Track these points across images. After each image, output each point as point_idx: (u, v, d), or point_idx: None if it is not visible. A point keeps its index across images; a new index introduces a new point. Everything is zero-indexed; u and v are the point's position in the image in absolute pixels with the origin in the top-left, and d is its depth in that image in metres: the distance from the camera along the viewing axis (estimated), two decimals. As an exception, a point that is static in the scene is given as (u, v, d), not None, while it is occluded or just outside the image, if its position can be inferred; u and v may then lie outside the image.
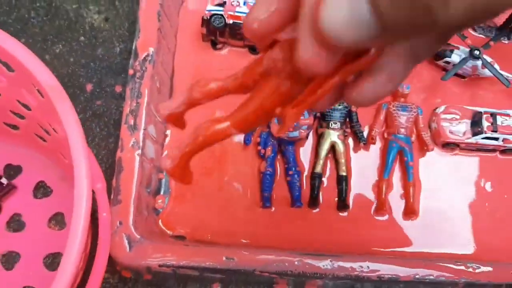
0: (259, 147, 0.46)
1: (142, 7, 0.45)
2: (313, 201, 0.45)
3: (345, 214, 0.45)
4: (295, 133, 0.45)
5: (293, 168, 0.45)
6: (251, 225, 0.44)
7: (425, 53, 0.20)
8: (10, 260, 0.41)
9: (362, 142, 0.46)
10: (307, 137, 0.47)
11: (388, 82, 0.19)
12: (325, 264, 0.38)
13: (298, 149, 0.47)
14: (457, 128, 0.47)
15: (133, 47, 0.43)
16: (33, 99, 0.36)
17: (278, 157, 0.46)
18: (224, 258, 0.38)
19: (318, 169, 0.46)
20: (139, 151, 0.41)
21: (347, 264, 0.39)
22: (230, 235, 0.44)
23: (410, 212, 0.45)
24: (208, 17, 0.46)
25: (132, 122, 0.41)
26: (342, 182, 0.45)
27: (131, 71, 0.43)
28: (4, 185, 0.42)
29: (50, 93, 0.31)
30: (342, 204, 0.45)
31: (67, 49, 0.49)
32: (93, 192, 0.40)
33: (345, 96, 0.20)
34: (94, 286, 0.33)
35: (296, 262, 0.38)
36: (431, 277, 0.38)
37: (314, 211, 0.45)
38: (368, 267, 0.38)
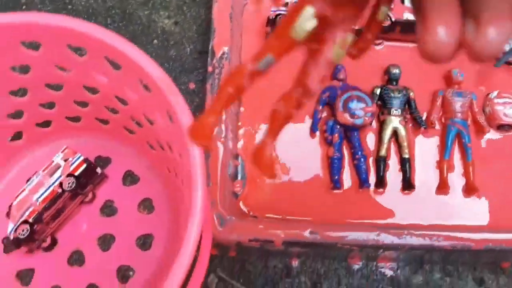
0: (326, 134, 0.49)
1: (215, 9, 0.49)
2: (380, 182, 0.48)
3: (411, 193, 0.48)
4: (360, 120, 0.48)
5: (359, 153, 0.49)
6: (323, 206, 0.48)
7: None
8: (106, 242, 0.45)
9: (423, 126, 0.50)
10: (370, 124, 0.50)
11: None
12: (402, 236, 0.41)
13: (363, 135, 0.50)
14: (511, 111, 0.50)
15: (210, 47, 0.47)
16: (135, 94, 0.39)
17: (344, 143, 0.50)
18: (308, 233, 0.41)
19: (383, 152, 0.49)
20: (223, 139, 0.44)
21: (420, 238, 0.42)
22: (304, 215, 0.47)
23: (471, 189, 0.48)
24: (274, 17, 0.50)
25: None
26: (406, 164, 0.49)
27: (210, 68, 0.47)
28: (99, 174, 0.46)
29: (162, 86, 0.35)
30: (408, 184, 0.48)
31: (143, 51, 0.53)
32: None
33: (469, 51, 0.17)
34: (203, 263, 0.36)
35: (375, 236, 0.41)
36: (503, 245, 0.41)
37: (381, 190, 0.48)
38: (441, 238, 0.41)
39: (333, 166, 0.48)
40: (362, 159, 0.48)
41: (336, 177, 0.48)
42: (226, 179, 0.45)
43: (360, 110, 0.49)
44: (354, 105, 0.49)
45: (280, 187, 0.48)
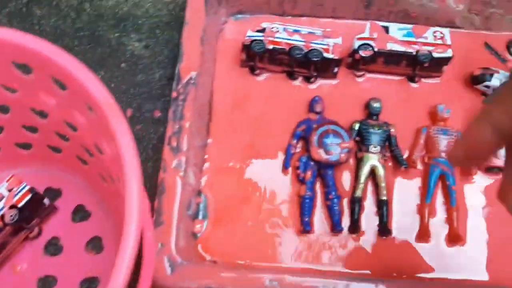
0: (299, 171, 0.45)
1: (185, 32, 0.46)
2: (354, 226, 0.44)
3: (387, 239, 0.44)
4: (336, 157, 0.45)
5: (333, 192, 0.45)
6: (291, 250, 0.43)
7: None
8: (46, 284, 0.41)
9: (403, 166, 0.46)
10: (347, 161, 0.46)
11: None
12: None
13: (338, 173, 0.46)
14: (500, 152, 0.46)
15: (176, 71, 0.44)
16: (83, 118, 0.36)
17: (318, 181, 0.46)
18: (267, 282, 0.37)
19: (358, 193, 0.45)
20: (182, 173, 0.41)
21: (394, 291, 0.37)
22: (269, 260, 0.43)
23: (455, 238, 0.44)
24: (249, 43, 0.47)
25: (175, 144, 0.41)
26: (383, 206, 0.44)
27: (174, 94, 0.43)
28: (46, 206, 0.42)
29: (106, 111, 0.31)
30: (384, 229, 0.44)
31: (109, 75, 0.50)
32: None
33: None
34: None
35: (343, 286, 0.37)
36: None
37: (354, 235, 0.44)
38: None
39: (303, 207, 0.44)
40: (335, 200, 0.44)
41: (307, 218, 0.44)
42: (183, 217, 0.41)
43: (336, 146, 0.45)
44: (330, 140, 0.45)
45: (247, 228, 0.44)
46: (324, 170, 0.45)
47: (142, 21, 0.53)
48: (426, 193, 0.45)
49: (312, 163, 0.45)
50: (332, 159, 0.45)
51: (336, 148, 0.45)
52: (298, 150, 0.47)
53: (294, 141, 0.47)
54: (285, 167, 0.46)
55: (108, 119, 0.30)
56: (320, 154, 0.45)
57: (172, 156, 0.41)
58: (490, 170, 0.47)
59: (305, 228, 0.44)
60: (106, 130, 0.31)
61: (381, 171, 0.45)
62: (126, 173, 0.29)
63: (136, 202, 0.28)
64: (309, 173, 0.45)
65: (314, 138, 0.45)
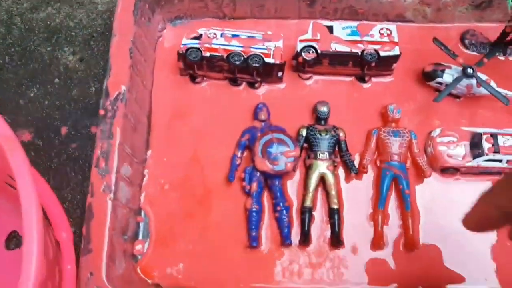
0: (244, 183, 0.43)
1: (113, 44, 0.43)
2: (304, 238, 0.42)
3: (340, 250, 0.42)
4: (281, 166, 0.42)
5: (281, 204, 0.42)
6: (239, 268, 0.41)
7: None
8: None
9: (353, 172, 0.43)
10: (294, 170, 0.44)
11: None
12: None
13: (285, 182, 0.44)
14: (456, 151, 0.44)
15: (104, 86, 0.41)
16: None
17: (265, 192, 0.43)
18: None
19: (308, 202, 0.42)
20: (111, 195, 0.38)
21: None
22: (216, 281, 0.41)
23: (410, 244, 0.42)
24: (184, 51, 0.44)
25: (103, 165, 0.39)
26: (334, 215, 0.42)
27: (102, 111, 0.40)
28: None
29: (3, 144, 0.29)
30: (336, 240, 0.41)
31: (42, 92, 0.47)
32: (58, 243, 0.38)
33: None
34: None
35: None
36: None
37: (306, 248, 0.42)
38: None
39: (250, 220, 0.42)
40: (284, 211, 0.42)
41: (254, 233, 0.42)
42: (118, 241, 0.38)
43: (281, 154, 0.42)
44: (274, 149, 0.43)
45: (191, 246, 0.42)
46: (271, 181, 0.43)
47: (76, 32, 0.50)
48: (378, 199, 0.43)
49: (258, 174, 0.43)
50: (278, 169, 0.42)
51: (281, 158, 0.42)
52: (243, 160, 0.45)
53: (239, 152, 0.44)
54: (229, 180, 0.43)
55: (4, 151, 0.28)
56: (265, 164, 0.42)
57: (100, 179, 0.38)
58: (444, 171, 0.44)
59: (252, 243, 0.41)
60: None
61: (330, 179, 0.43)
62: (23, 209, 0.26)
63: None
64: (254, 185, 0.43)
65: (258, 148, 0.43)
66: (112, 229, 0.37)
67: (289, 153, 0.42)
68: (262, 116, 0.45)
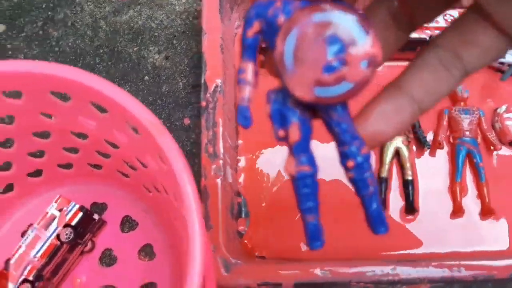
0: (274, 126, 0.20)
1: (205, 42, 0.47)
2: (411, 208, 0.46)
3: (416, 218, 0.46)
4: (346, 85, 0.17)
5: (354, 150, 0.19)
6: (330, 240, 0.45)
7: None
8: (107, 294, 0.43)
9: (426, 147, 0.47)
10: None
11: None
12: (420, 269, 0.39)
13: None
14: (521, 129, 0.48)
15: (202, 81, 0.45)
16: (124, 136, 0.37)
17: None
18: (319, 272, 0.39)
19: (384, 174, 0.46)
20: (221, 177, 0.42)
21: (439, 270, 0.39)
22: (310, 252, 0.45)
23: (487, 212, 0.46)
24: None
25: (211, 150, 0.43)
26: (409, 186, 0.46)
27: (203, 103, 0.45)
28: (96, 221, 0.43)
29: (150, 128, 0.33)
30: (410, 208, 0.45)
31: (134, 89, 0.52)
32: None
33: None
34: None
35: (390, 270, 0.39)
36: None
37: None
38: (462, 269, 0.39)
39: (301, 196, 0.20)
40: (364, 164, 0.20)
41: (312, 220, 0.21)
42: (228, 219, 0.42)
43: (341, 58, 0.17)
44: (325, 49, 0.17)
45: (286, 223, 0.46)
46: (326, 113, 0.19)
47: (158, 32, 0.54)
48: (455, 172, 0.47)
49: (295, 107, 0.19)
50: (339, 91, 0.17)
51: (341, 64, 0.17)
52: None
53: (249, 64, 0.21)
54: (241, 124, 0.21)
55: (154, 137, 0.31)
56: (307, 85, 0.18)
57: (210, 163, 0.42)
58: (513, 143, 0.48)
59: (311, 244, 0.21)
60: (151, 146, 0.32)
61: (405, 152, 0.47)
62: (182, 192, 0.30)
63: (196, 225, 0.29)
64: (294, 128, 0.20)
65: (287, 50, 0.18)
66: (225, 208, 0.42)
67: (357, 49, 0.17)
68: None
